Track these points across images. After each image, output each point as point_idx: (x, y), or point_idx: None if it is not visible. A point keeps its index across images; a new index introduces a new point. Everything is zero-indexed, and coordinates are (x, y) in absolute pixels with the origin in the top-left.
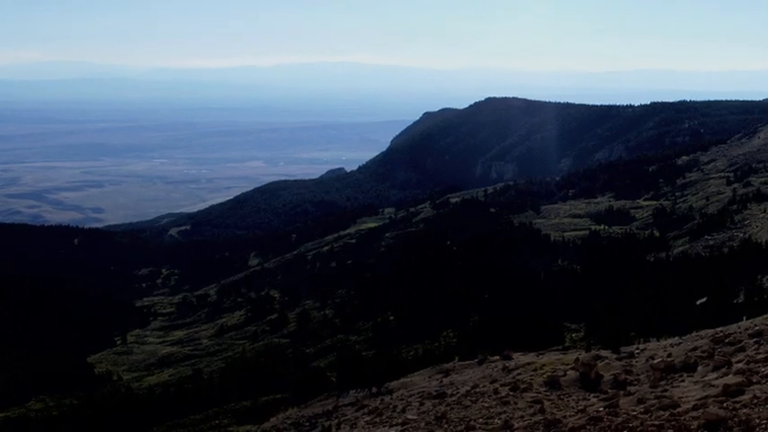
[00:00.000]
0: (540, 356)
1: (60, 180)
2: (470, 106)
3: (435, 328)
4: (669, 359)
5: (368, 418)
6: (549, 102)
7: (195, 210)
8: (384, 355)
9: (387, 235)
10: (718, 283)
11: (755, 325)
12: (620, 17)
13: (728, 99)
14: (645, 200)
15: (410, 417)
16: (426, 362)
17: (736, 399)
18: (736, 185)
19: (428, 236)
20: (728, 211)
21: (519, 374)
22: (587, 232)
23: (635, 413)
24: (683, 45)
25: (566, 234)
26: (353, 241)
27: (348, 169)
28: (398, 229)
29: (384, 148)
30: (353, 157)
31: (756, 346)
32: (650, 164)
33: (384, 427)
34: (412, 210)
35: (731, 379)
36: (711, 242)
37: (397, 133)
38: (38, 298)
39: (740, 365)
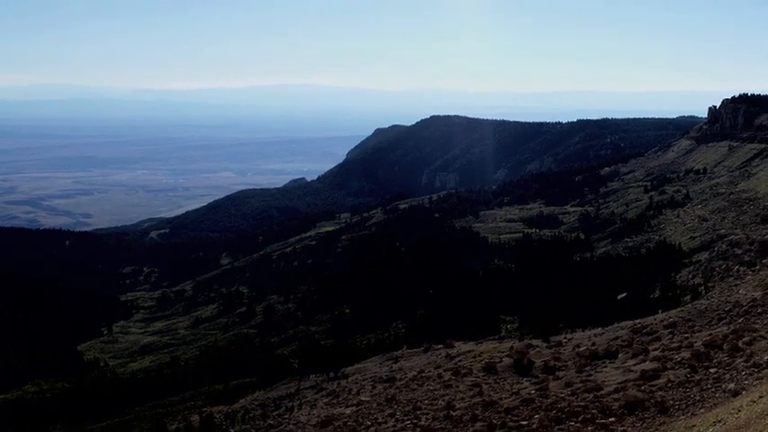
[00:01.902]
0: (479, 345)
1: (53, 188)
2: (417, 123)
3: (386, 320)
4: (593, 347)
5: (326, 400)
6: (487, 119)
7: (173, 215)
8: (340, 343)
9: (343, 237)
10: (636, 280)
11: (670, 317)
12: (551, 44)
13: (646, 117)
14: (572, 206)
15: (364, 398)
16: (378, 350)
17: (653, 382)
18: (652, 193)
19: (380, 238)
20: (646, 216)
21: (460, 361)
22: (521, 235)
23: (563, 395)
24: (606, 69)
25: (501, 236)
26: (313, 243)
27: (309, 179)
28: (353, 232)
29: (341, 161)
30: (314, 168)
31: (670, 336)
32: (576, 174)
33: (341, 407)
34: (365, 215)
35: (648, 365)
36: (630, 244)
37: (352, 147)
38: (33, 293)
39: (656, 353)
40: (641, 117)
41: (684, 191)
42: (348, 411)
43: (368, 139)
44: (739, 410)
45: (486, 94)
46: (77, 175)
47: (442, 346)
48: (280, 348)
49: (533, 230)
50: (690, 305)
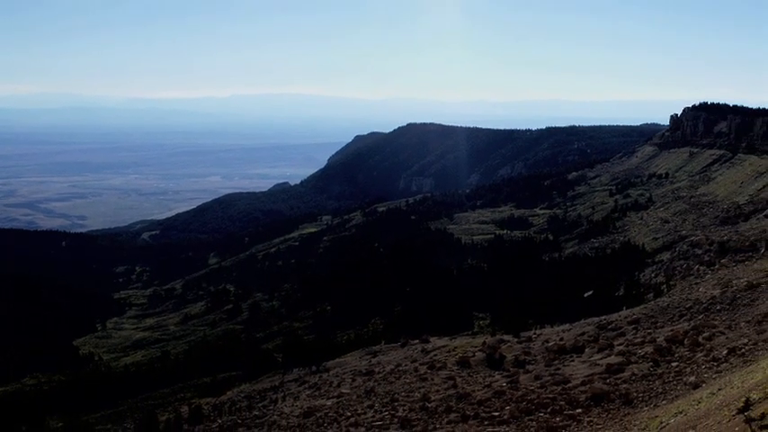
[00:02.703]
0: (453, 340)
1: (50, 192)
2: (395, 130)
3: (365, 316)
4: (561, 342)
5: (309, 392)
6: (461, 127)
7: (164, 217)
8: (322, 339)
9: (324, 238)
10: (602, 279)
11: (633, 314)
12: (521, 56)
13: (611, 124)
14: (541, 209)
15: (344, 391)
16: (357, 345)
17: (617, 375)
18: (617, 197)
19: (359, 239)
20: (611, 218)
21: (435, 355)
22: (492, 236)
23: (532, 387)
24: (574, 79)
25: (474, 237)
26: (296, 244)
27: (292, 183)
28: (334, 233)
29: (322, 166)
30: (297, 173)
31: (634, 331)
32: (545, 179)
33: (322, 399)
34: (345, 217)
35: (613, 359)
36: (596, 244)
37: (333, 153)
38: (32, 291)
39: (621, 348)
40: (607, 124)
41: (648, 194)
42: (329, 403)
43: (348, 145)
44: (699, 402)
45: (460, 102)
46: (73, 180)
47: (418, 341)
48: (264, 343)
49: (504, 232)
50: (652, 303)
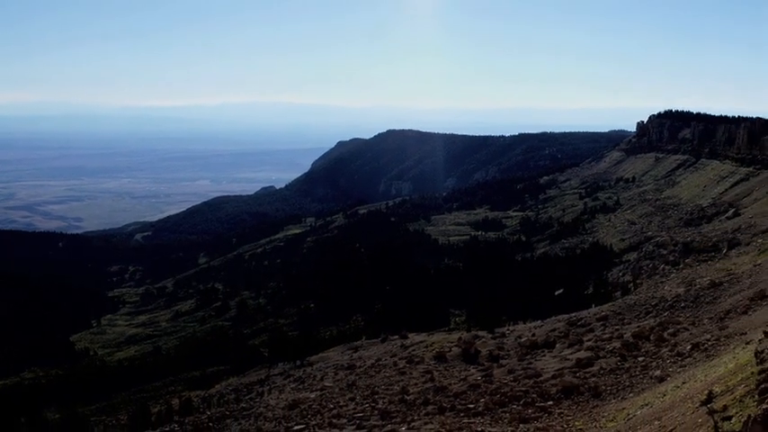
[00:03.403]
0: (431, 336)
1: (48, 195)
2: (375, 136)
3: (347, 313)
4: (533, 338)
5: (293, 385)
6: (438, 133)
7: (156, 219)
8: (306, 335)
9: (308, 239)
10: (572, 278)
11: (602, 311)
12: (495, 66)
13: (581, 131)
14: (514, 211)
15: (327, 384)
16: (340, 340)
17: (587, 369)
18: (586, 200)
19: (341, 240)
20: (580, 220)
21: (414, 350)
22: (468, 237)
23: (506, 381)
24: (545, 88)
25: (451, 238)
26: (282, 244)
27: (278, 187)
28: (318, 234)
29: (306, 170)
30: (282, 177)
31: (603, 327)
32: (518, 182)
33: (306, 392)
34: (328, 219)
35: (582, 354)
36: (567, 245)
37: (317, 158)
38: (30, 289)
39: (590, 343)
40: (576, 131)
41: (615, 197)
42: (313, 395)
43: (331, 150)
44: (665, 395)
45: (437, 110)
46: (70, 183)
47: (397, 336)
48: (251, 339)
49: (479, 233)
50: (620, 300)
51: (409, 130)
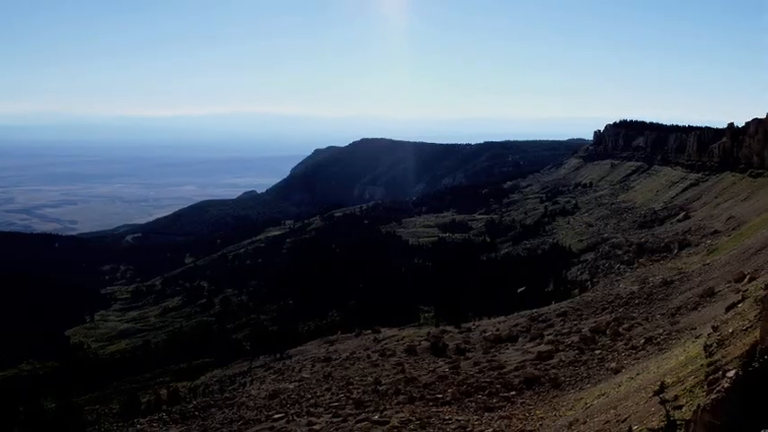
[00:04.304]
0: (402, 331)
1: (45, 199)
2: (350, 144)
3: (324, 309)
4: (497, 332)
5: (273, 377)
6: (409, 141)
7: (145, 222)
8: (285, 329)
9: (288, 240)
10: (533, 276)
11: (561, 307)
12: (461, 78)
13: (542, 139)
14: (479, 214)
15: (305, 375)
16: (317, 334)
17: (547, 362)
18: (546, 203)
19: (318, 241)
20: (541, 222)
21: (386, 344)
22: (436, 238)
23: (472, 373)
24: (508, 98)
25: (420, 240)
26: (263, 245)
27: (259, 191)
28: (296, 236)
29: (286, 176)
30: (263, 182)
31: (562, 322)
32: (483, 187)
33: (286, 383)
34: (306, 222)
35: (543, 347)
36: (528, 245)
37: (295, 164)
38: (28, 287)
39: (550, 337)
40: (537, 140)
41: (574, 201)
42: (292, 386)
43: (308, 157)
44: (620, 386)
45: (408, 120)
46: (65, 188)
47: (370, 331)
48: (234, 333)
49: (447, 235)
50: (578, 297)
51: (381, 139)
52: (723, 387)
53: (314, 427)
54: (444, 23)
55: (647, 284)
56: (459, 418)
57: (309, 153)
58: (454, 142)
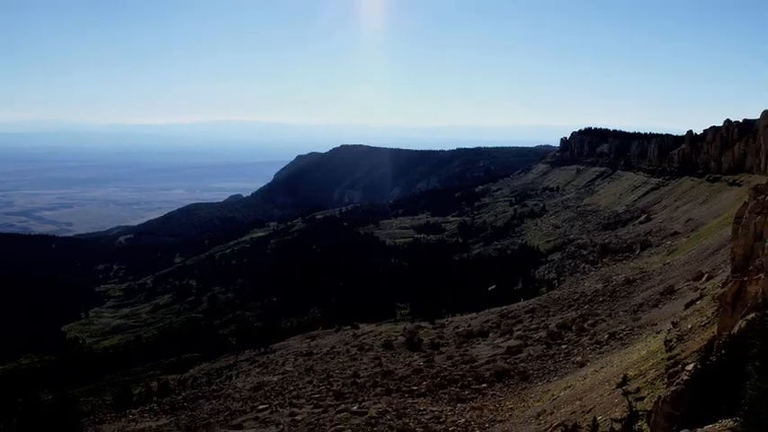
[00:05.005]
0: (379, 326)
1: (42, 202)
2: (330, 151)
3: (306, 306)
4: (469, 328)
5: (258, 370)
6: (386, 148)
7: (137, 223)
8: (269, 325)
9: (271, 241)
10: (503, 275)
11: (530, 304)
12: (434, 89)
13: (511, 146)
14: (452, 216)
15: (288, 368)
16: (299, 330)
17: (516, 356)
18: (516, 206)
19: (300, 242)
20: (511, 224)
21: (364, 339)
22: (412, 239)
23: (445, 366)
24: (479, 107)
25: (397, 241)
26: (248, 246)
27: (244, 195)
28: (279, 237)
29: (270, 180)
30: (248, 186)
31: (530, 319)
32: (456, 191)
33: (269, 375)
34: (289, 223)
35: (513, 342)
36: (499, 246)
37: (279, 169)
38: (27, 285)
39: (519, 333)
40: (507, 146)
41: (542, 204)
42: (275, 379)
43: (291, 163)
44: (585, 378)
45: (385, 127)
46: (61, 192)
47: (349, 327)
48: (221, 329)
49: (422, 236)
50: (546, 295)
51: (360, 146)
52: (682, 379)
53: (296, 417)
54: (417, 39)
55: (610, 283)
56: (434, 408)
57: (292, 159)
58: (428, 149)
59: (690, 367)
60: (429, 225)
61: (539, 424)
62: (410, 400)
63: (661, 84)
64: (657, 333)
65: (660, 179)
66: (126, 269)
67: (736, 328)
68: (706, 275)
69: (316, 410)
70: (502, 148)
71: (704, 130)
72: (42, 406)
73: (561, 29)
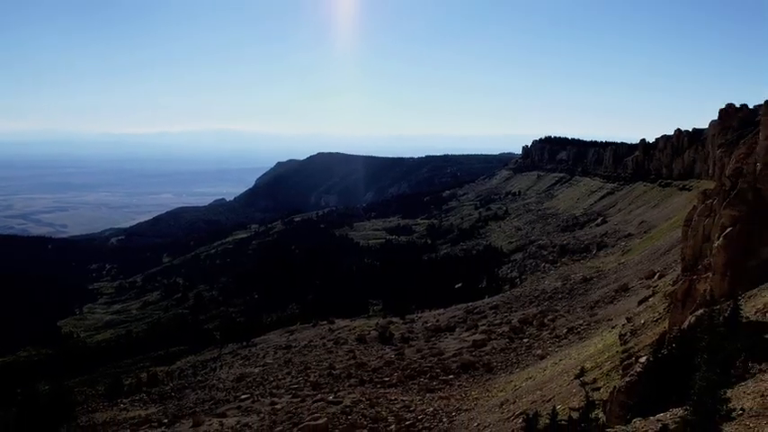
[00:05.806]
0: (353, 321)
1: (39, 206)
2: (307, 158)
3: (285, 303)
4: (437, 323)
5: (241, 362)
6: (359, 155)
7: (128, 226)
8: (251, 320)
9: (253, 242)
10: (469, 274)
11: (494, 301)
12: (404, 99)
13: (476, 153)
14: (421, 219)
15: (268, 361)
16: (278, 325)
17: (481, 349)
18: (481, 210)
19: (280, 243)
20: (476, 226)
21: (339, 333)
22: (384, 240)
23: (415, 358)
24: (446, 118)
25: (370, 241)
26: (231, 246)
27: (228, 199)
28: (260, 238)
29: (251, 185)
30: (231, 191)
31: (494, 314)
32: (425, 196)
33: (251, 367)
34: (269, 226)
35: (478, 336)
36: (465, 247)
37: (260, 175)
38: (25, 283)
39: (484, 327)
40: (473, 154)
41: (505, 208)
42: (257, 370)
43: (272, 169)
44: (545, 370)
45: (359, 136)
46: (57, 197)
47: (326, 322)
48: (206, 324)
49: (393, 237)
50: (508, 292)
51: (335, 153)
52: (636, 371)
53: (276, 406)
54: (388, 53)
55: (569, 281)
56: (404, 398)
57: (273, 165)
58: (399, 156)
59: (643, 360)
60: (400, 227)
61: (502, 412)
62: (382, 391)
63: (616, 95)
64: (613, 328)
65: (615, 184)
66: (117, 268)
67: (685, 324)
68: (658, 274)
69: (294, 400)
70: (468, 156)
71: (656, 139)
72: (39, 396)
73: (526, 46)
